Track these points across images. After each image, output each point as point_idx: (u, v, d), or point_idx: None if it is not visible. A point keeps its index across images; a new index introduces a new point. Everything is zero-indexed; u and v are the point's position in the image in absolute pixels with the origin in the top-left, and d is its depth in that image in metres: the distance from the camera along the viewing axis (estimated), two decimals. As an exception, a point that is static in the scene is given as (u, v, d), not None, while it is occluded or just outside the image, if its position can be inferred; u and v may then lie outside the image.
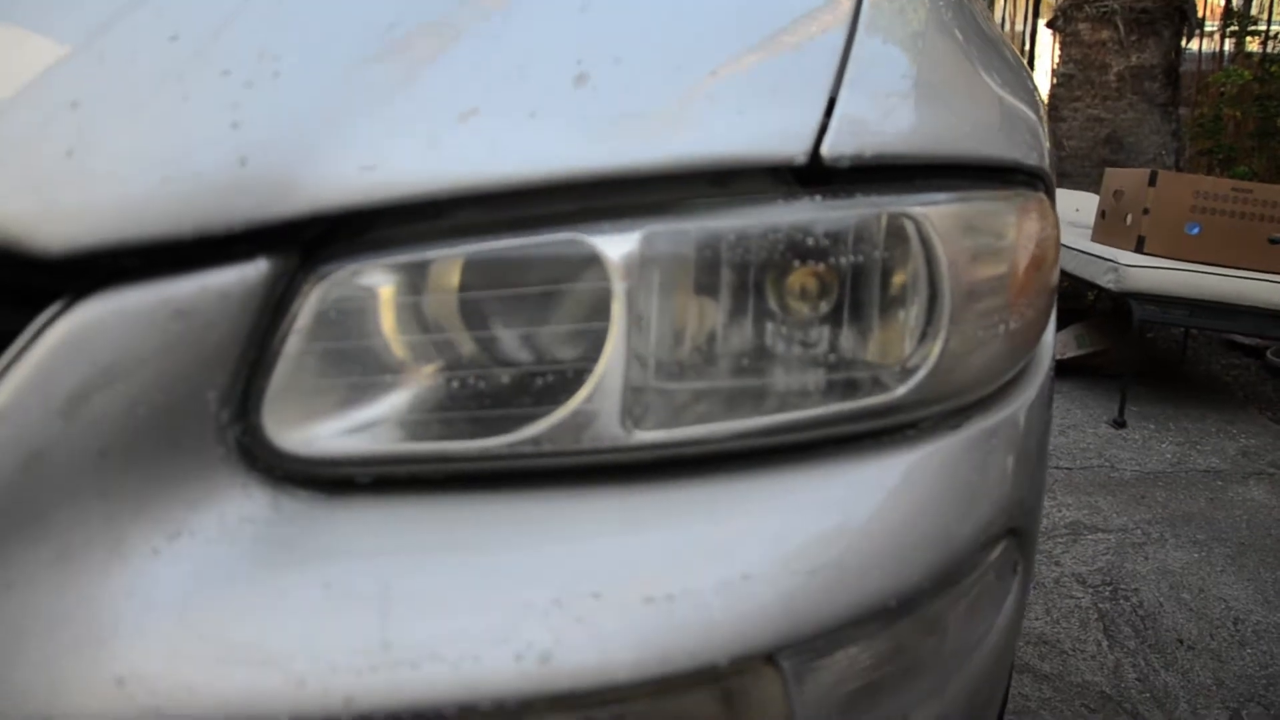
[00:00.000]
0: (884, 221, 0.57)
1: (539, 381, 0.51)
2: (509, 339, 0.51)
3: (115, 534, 0.43)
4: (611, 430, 0.51)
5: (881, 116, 0.58)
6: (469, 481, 0.51)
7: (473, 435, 0.50)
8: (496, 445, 0.50)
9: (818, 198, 0.56)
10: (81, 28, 0.50)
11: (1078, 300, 4.86)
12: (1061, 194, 5.25)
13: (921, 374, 0.59)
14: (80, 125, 0.46)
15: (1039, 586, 2.26)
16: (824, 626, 0.50)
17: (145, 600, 0.43)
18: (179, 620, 0.43)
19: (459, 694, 0.44)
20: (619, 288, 0.51)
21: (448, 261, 0.50)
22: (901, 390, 0.58)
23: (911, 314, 0.59)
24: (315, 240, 0.48)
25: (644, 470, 0.52)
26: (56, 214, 0.43)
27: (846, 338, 0.57)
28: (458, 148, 0.49)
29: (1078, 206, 5.01)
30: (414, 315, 0.50)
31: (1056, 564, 2.41)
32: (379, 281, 0.49)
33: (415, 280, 0.50)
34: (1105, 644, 2.05)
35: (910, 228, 0.58)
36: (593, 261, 0.51)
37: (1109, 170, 4.08)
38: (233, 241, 0.46)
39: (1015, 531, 0.65)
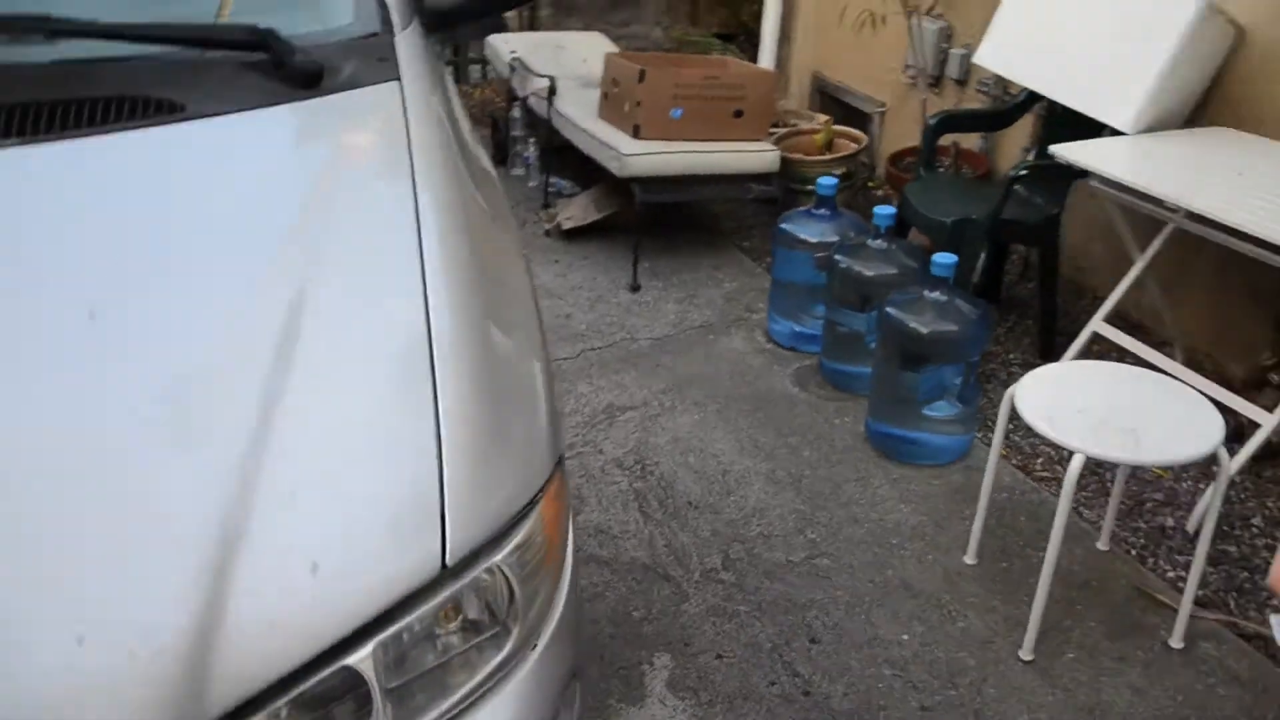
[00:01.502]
0: (484, 572, 1.12)
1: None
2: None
3: None
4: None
5: (470, 522, 1.11)
6: None
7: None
8: None
9: (451, 580, 1.09)
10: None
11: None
12: (569, 37, 5.84)
13: (517, 632, 1.16)
14: None
15: (590, 480, 2.98)
16: None
17: None
18: None
19: None
20: (369, 671, 1.02)
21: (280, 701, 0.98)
22: (507, 648, 1.15)
23: (503, 604, 1.15)
24: None
25: None
26: None
27: (477, 631, 1.13)
28: (260, 655, 0.96)
29: (584, 56, 5.54)
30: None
31: (600, 452, 3.12)
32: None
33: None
34: (641, 521, 2.81)
35: (498, 567, 1.13)
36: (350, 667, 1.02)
37: (609, 57, 4.71)
38: None
39: (575, 672, 1.27)
